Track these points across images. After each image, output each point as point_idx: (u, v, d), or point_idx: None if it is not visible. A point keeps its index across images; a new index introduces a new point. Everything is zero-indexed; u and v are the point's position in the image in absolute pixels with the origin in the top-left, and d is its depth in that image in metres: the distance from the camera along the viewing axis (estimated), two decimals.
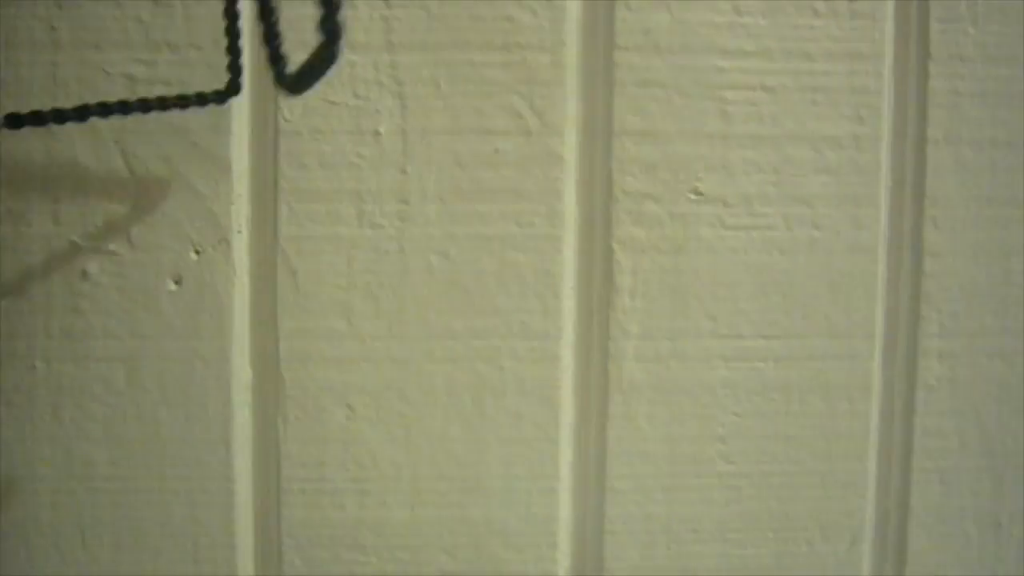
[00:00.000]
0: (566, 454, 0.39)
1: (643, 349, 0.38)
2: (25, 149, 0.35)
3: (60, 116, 0.31)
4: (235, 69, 0.34)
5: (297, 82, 0.28)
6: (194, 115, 0.36)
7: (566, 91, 0.37)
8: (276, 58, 0.28)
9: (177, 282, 0.37)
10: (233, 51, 0.34)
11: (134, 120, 0.36)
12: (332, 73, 0.26)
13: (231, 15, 0.33)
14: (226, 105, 0.35)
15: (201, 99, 0.34)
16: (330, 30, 0.24)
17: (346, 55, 0.37)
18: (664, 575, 0.39)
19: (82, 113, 0.32)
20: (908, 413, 0.40)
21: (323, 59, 0.25)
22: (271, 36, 0.29)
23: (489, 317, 0.38)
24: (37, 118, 0.31)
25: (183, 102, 0.33)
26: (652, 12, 0.37)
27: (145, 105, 0.33)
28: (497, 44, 0.37)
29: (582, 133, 0.38)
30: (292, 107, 0.37)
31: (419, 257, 0.37)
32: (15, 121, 0.31)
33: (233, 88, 0.34)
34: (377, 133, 0.37)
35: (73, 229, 0.36)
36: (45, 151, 0.36)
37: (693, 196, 0.38)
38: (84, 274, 0.36)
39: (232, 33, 0.33)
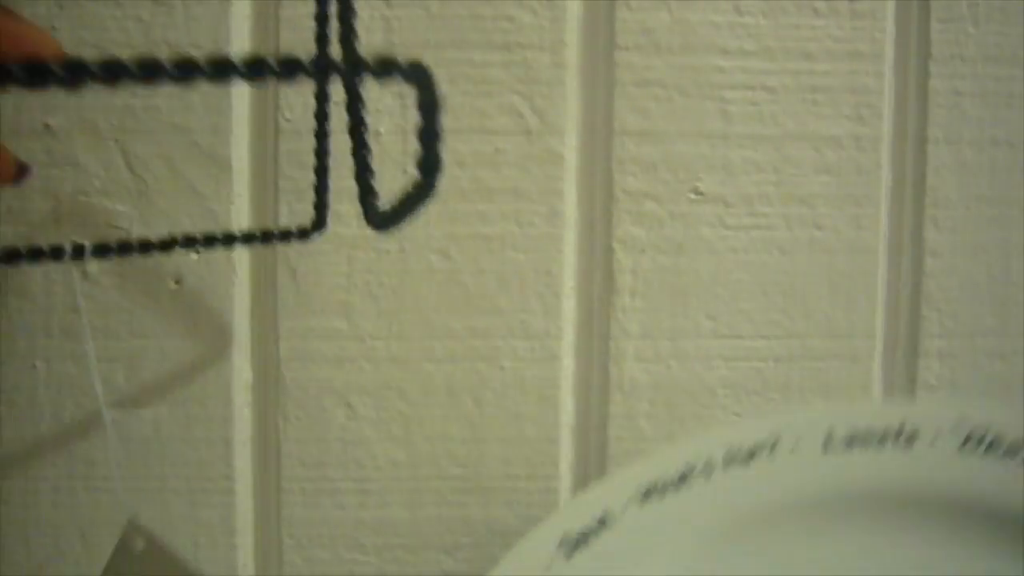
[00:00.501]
0: (566, 454, 0.39)
1: (643, 349, 0.38)
2: (26, 148, 0.35)
3: (189, 241, 0.32)
4: (321, 206, 0.33)
5: (389, 220, 0.26)
6: (194, 115, 0.36)
7: (566, 91, 0.37)
8: (368, 195, 0.27)
9: (177, 282, 0.37)
10: (321, 189, 0.33)
11: (134, 120, 0.36)
12: (425, 207, 0.25)
13: (321, 153, 0.33)
14: (311, 241, 0.35)
15: (285, 235, 0.33)
16: (429, 163, 0.22)
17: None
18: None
19: (190, 242, 0.33)
20: None
21: (419, 194, 0.23)
22: (363, 172, 0.27)
23: (489, 317, 0.38)
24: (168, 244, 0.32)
25: (267, 237, 0.33)
26: (652, 12, 0.37)
27: (230, 238, 0.33)
28: (497, 44, 0.37)
29: (582, 133, 0.38)
30: (292, 107, 0.37)
31: (419, 257, 0.37)
32: (141, 248, 0.32)
33: (319, 224, 0.34)
34: (377, 133, 0.37)
35: (73, 229, 0.36)
36: (45, 151, 0.36)
37: (693, 196, 0.38)
38: (84, 274, 0.36)
39: (321, 171, 0.33)
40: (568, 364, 0.38)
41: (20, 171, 0.30)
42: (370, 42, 0.36)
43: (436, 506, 0.38)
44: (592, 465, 0.39)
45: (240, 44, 0.36)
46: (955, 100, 0.38)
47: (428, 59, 0.36)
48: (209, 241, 0.33)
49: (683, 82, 0.37)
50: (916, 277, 0.39)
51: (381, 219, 0.26)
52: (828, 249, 0.39)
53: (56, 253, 0.30)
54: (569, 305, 0.38)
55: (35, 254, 0.30)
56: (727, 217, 0.38)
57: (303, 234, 0.34)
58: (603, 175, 0.38)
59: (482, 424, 0.38)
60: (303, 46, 0.36)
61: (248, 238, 0.33)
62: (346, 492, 0.38)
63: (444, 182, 0.37)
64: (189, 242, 0.33)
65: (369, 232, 0.35)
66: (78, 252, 0.30)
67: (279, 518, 0.38)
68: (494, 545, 0.39)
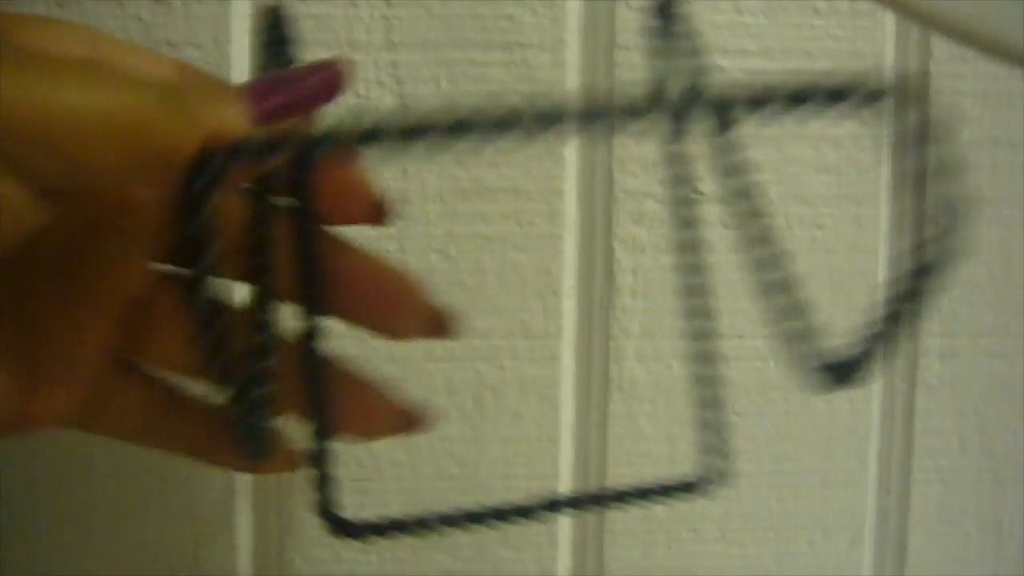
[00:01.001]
0: (566, 454, 0.39)
1: (644, 348, 0.38)
2: None
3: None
4: (725, 455, 0.31)
5: (855, 363, 0.21)
6: None
7: (566, 91, 0.37)
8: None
9: None
10: (720, 433, 0.32)
11: None
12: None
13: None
14: (695, 494, 0.32)
15: (672, 490, 0.31)
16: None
17: (346, 54, 0.37)
18: (664, 575, 0.39)
19: (554, 506, 0.30)
20: (908, 413, 0.40)
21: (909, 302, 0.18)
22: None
23: (489, 317, 0.38)
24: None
25: (648, 493, 0.31)
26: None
27: (621, 496, 0.30)
28: (498, 43, 0.37)
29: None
30: None
31: (419, 256, 0.37)
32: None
33: (723, 475, 0.32)
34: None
35: None
36: None
37: (693, 195, 0.38)
38: None
39: (713, 413, 0.31)
40: (568, 364, 0.38)
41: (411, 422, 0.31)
42: (370, 41, 0.36)
43: (436, 506, 0.38)
44: (592, 465, 0.39)
45: (240, 44, 0.36)
46: (955, 100, 0.38)
47: (428, 59, 0.37)
48: (578, 502, 0.32)
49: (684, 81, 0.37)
50: None
51: (837, 371, 0.21)
52: (828, 249, 0.39)
53: (416, 526, 0.29)
54: (569, 305, 0.38)
55: (397, 527, 0.29)
56: (727, 217, 0.38)
57: (688, 488, 0.31)
58: (603, 175, 0.38)
59: (482, 424, 0.38)
60: (303, 46, 0.36)
61: (631, 495, 0.30)
62: (346, 492, 0.38)
63: (444, 182, 0.37)
64: (554, 506, 0.31)
65: (370, 231, 0.35)
66: (445, 522, 0.30)
67: (279, 518, 0.38)
68: (494, 545, 0.39)
